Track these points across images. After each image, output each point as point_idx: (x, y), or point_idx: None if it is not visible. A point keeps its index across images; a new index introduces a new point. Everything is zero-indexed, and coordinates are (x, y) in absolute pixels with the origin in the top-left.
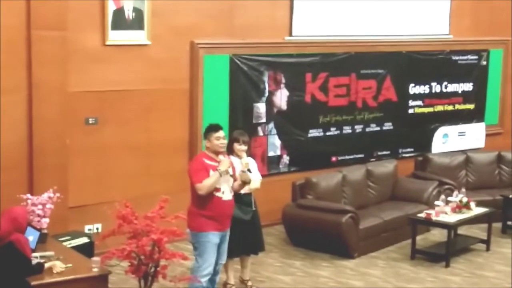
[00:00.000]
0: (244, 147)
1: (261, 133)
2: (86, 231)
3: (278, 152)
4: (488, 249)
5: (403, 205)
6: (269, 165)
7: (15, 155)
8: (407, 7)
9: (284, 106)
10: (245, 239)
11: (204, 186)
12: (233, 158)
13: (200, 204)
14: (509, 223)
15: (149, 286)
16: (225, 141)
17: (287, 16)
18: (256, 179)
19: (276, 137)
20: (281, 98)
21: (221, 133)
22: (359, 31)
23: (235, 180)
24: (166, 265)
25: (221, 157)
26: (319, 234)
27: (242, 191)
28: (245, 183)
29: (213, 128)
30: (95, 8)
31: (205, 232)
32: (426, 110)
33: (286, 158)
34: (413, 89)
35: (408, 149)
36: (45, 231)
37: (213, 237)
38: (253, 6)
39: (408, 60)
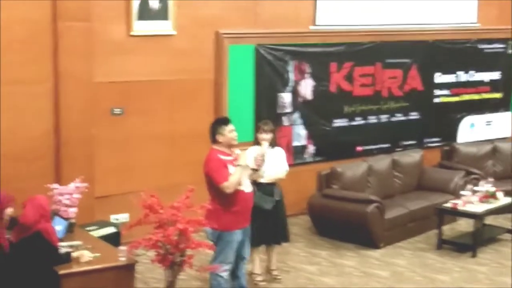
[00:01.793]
0: (266, 136)
1: (286, 123)
2: (113, 220)
3: (303, 142)
4: None
5: (429, 195)
6: (294, 155)
7: (42, 145)
8: None
9: (309, 95)
10: (266, 229)
11: (231, 184)
12: (256, 148)
13: (225, 201)
14: None
15: (175, 275)
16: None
17: (312, 6)
18: (283, 170)
19: (301, 127)
20: (306, 87)
21: (232, 126)
22: (384, 20)
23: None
24: (192, 255)
25: (237, 151)
26: (345, 224)
27: (263, 180)
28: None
29: (224, 121)
30: None
31: (230, 231)
32: (452, 99)
33: (311, 148)
34: (439, 78)
35: (434, 139)
36: (73, 220)
37: (237, 236)
38: None
39: (434, 49)
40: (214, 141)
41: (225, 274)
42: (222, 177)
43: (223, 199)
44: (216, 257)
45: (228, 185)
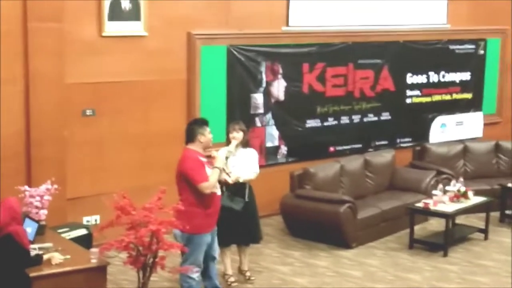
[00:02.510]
0: (236, 134)
1: (258, 124)
2: (84, 222)
3: (276, 143)
4: (486, 238)
5: (401, 195)
6: (267, 155)
7: (12, 146)
8: None
9: (281, 96)
10: (236, 229)
11: (210, 184)
12: (227, 148)
13: (199, 203)
14: (507, 212)
15: (147, 277)
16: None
17: (284, 6)
18: (252, 172)
19: (274, 127)
20: (279, 88)
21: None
22: (356, 21)
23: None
24: (164, 256)
25: (214, 153)
26: (317, 224)
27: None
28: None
29: (205, 122)
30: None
31: (200, 234)
32: (423, 99)
33: (284, 149)
34: (411, 78)
35: (406, 139)
36: (43, 222)
37: (207, 238)
38: None
39: (406, 50)
40: (193, 141)
41: (196, 276)
42: (202, 177)
43: (197, 201)
44: (187, 259)
45: (208, 186)
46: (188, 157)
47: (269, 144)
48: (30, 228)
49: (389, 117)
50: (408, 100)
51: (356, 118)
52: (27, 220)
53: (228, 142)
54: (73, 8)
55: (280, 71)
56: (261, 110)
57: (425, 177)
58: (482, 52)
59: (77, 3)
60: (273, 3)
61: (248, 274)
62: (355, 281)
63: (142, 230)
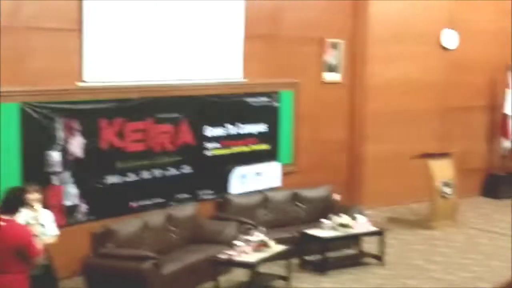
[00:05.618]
0: (32, 197)
1: (56, 182)
2: None
3: (76, 201)
4: (288, 285)
5: (206, 247)
6: (66, 215)
7: None
8: (201, 52)
9: (80, 153)
10: None
11: None
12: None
13: None
14: (307, 258)
15: None
16: None
17: (78, 62)
18: (54, 235)
19: (73, 185)
20: (76, 145)
21: None
22: (154, 76)
23: None
24: None
25: None
26: (122, 283)
27: None
28: None
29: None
30: None
31: None
32: (223, 151)
33: (84, 207)
34: (210, 131)
35: (208, 191)
36: None
37: None
38: (44, 51)
39: (204, 104)
40: None
41: None
42: None
43: None
44: None
45: None
46: None
47: (68, 202)
48: None
49: (191, 170)
50: (208, 153)
51: (157, 172)
52: None
53: (25, 204)
54: None
55: (77, 127)
56: (58, 168)
57: (227, 228)
58: (276, 104)
59: None
60: (67, 58)
61: None
62: None
63: None
